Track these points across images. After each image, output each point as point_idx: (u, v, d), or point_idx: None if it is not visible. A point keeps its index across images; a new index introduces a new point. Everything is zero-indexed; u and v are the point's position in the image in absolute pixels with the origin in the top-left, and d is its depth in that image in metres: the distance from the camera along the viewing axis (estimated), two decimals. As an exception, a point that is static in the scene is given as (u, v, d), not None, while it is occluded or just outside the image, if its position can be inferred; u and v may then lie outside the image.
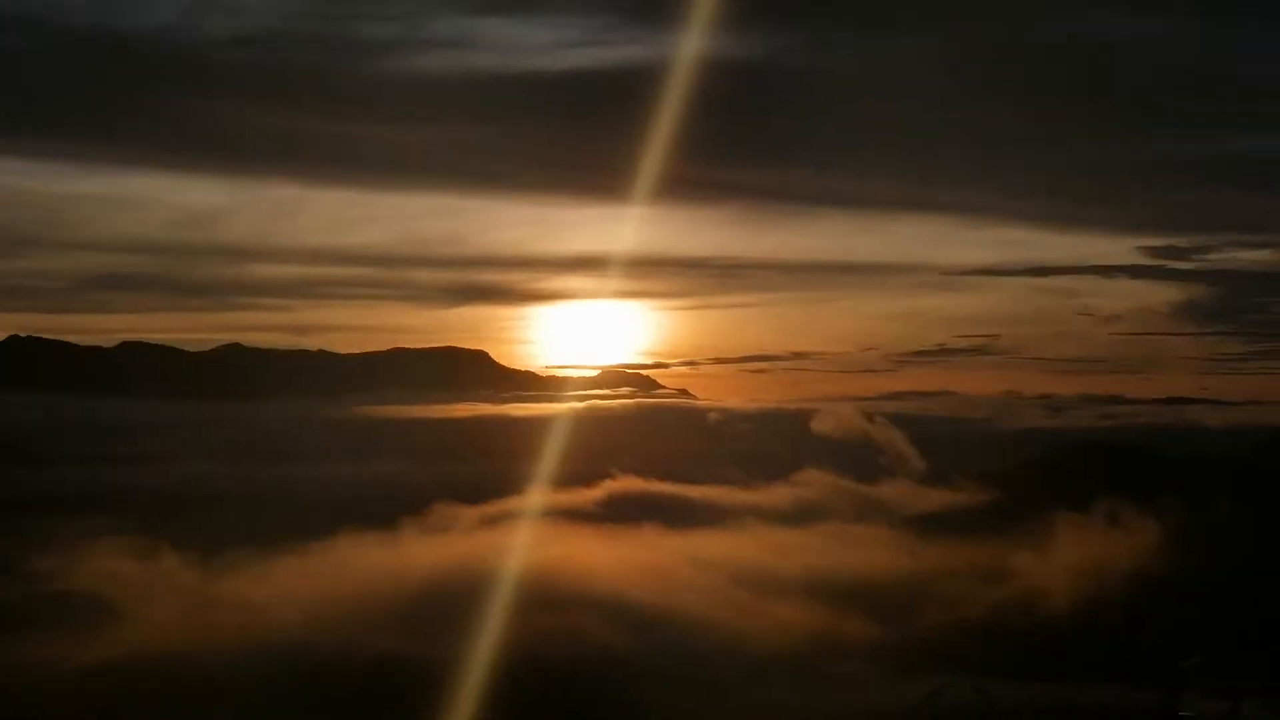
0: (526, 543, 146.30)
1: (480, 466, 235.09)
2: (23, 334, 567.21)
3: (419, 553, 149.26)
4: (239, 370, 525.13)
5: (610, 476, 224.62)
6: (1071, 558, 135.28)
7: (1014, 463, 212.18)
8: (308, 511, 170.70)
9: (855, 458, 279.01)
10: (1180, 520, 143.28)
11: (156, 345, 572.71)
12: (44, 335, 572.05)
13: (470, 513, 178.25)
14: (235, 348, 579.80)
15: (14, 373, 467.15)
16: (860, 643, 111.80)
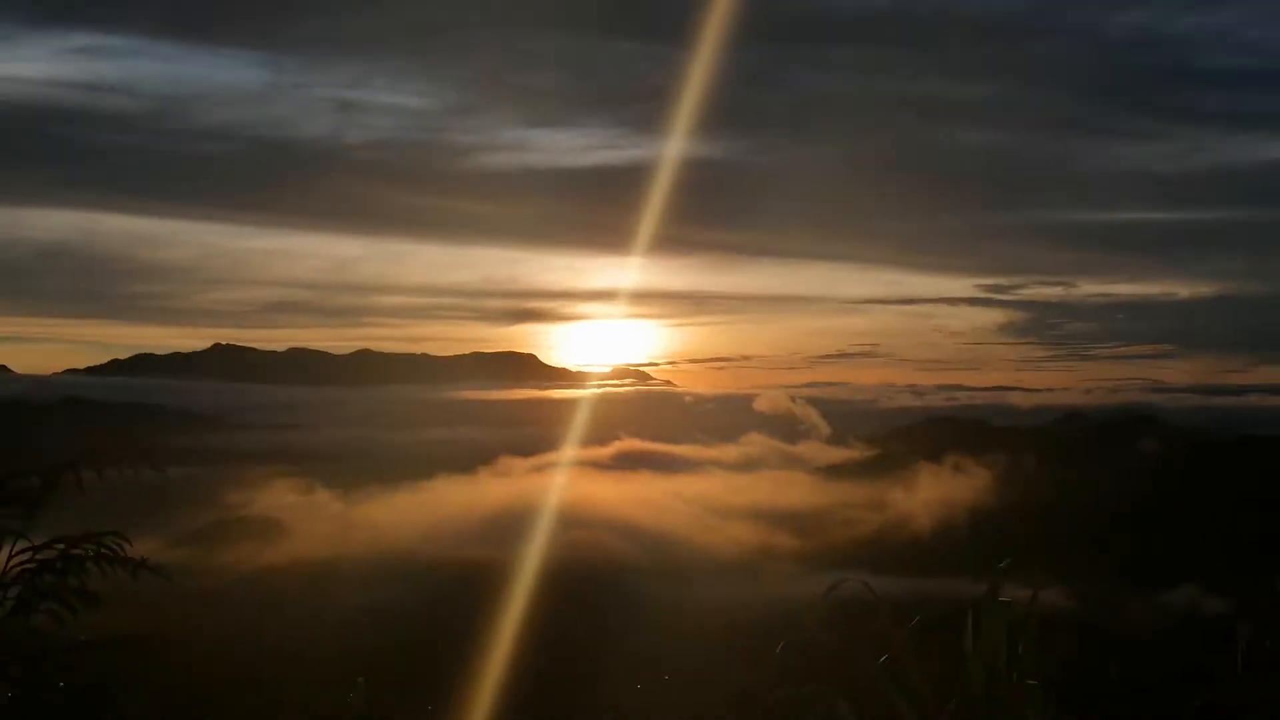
0: (562, 483, 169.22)
1: (530, 432, 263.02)
2: (223, 342, 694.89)
3: (490, 490, 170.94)
4: (369, 367, 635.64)
5: (618, 439, 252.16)
6: (930, 494, 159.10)
7: (890, 430, 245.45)
8: (415, 462, 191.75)
9: (783, 427, 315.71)
10: (1002, 469, 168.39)
11: (312, 350, 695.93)
12: (237, 343, 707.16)
13: (524, 463, 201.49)
14: (366, 352, 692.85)
15: (218, 368, 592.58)
16: (785, 551, 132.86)
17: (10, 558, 3.63)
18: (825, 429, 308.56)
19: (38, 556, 3.65)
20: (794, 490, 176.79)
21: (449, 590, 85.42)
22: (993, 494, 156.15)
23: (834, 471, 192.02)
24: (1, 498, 3.63)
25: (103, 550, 3.69)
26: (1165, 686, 4.34)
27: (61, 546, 3.67)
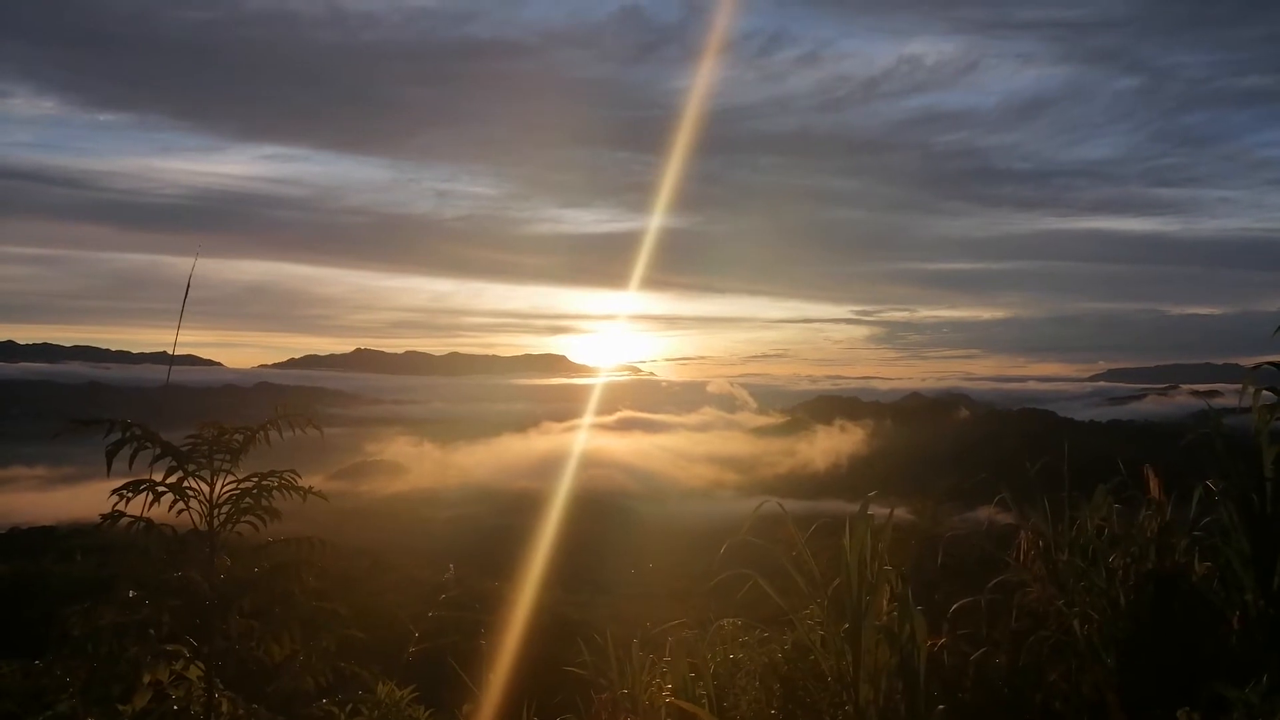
0: (583, 440, 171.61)
1: (561, 405, 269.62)
2: (363, 347, 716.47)
3: (536, 443, 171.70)
4: (458, 364, 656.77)
5: (620, 410, 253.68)
6: (824, 447, 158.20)
7: (795, 404, 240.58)
8: (487, 425, 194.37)
9: (726, 402, 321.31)
10: (870, 430, 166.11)
11: (420, 352, 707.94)
12: (371, 348, 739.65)
13: (559, 426, 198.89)
14: (456, 354, 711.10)
15: (360, 364, 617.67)
16: (729, 484, 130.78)
17: (223, 487, 3.60)
18: (753, 404, 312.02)
19: (240, 486, 3.62)
20: (734, 444, 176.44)
21: (510, 507, 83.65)
22: (863, 445, 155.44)
23: (760, 431, 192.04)
24: (219, 448, 3.59)
25: (282, 481, 3.67)
26: (972, 570, 4.34)
27: (256, 479, 3.65)
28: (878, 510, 3.63)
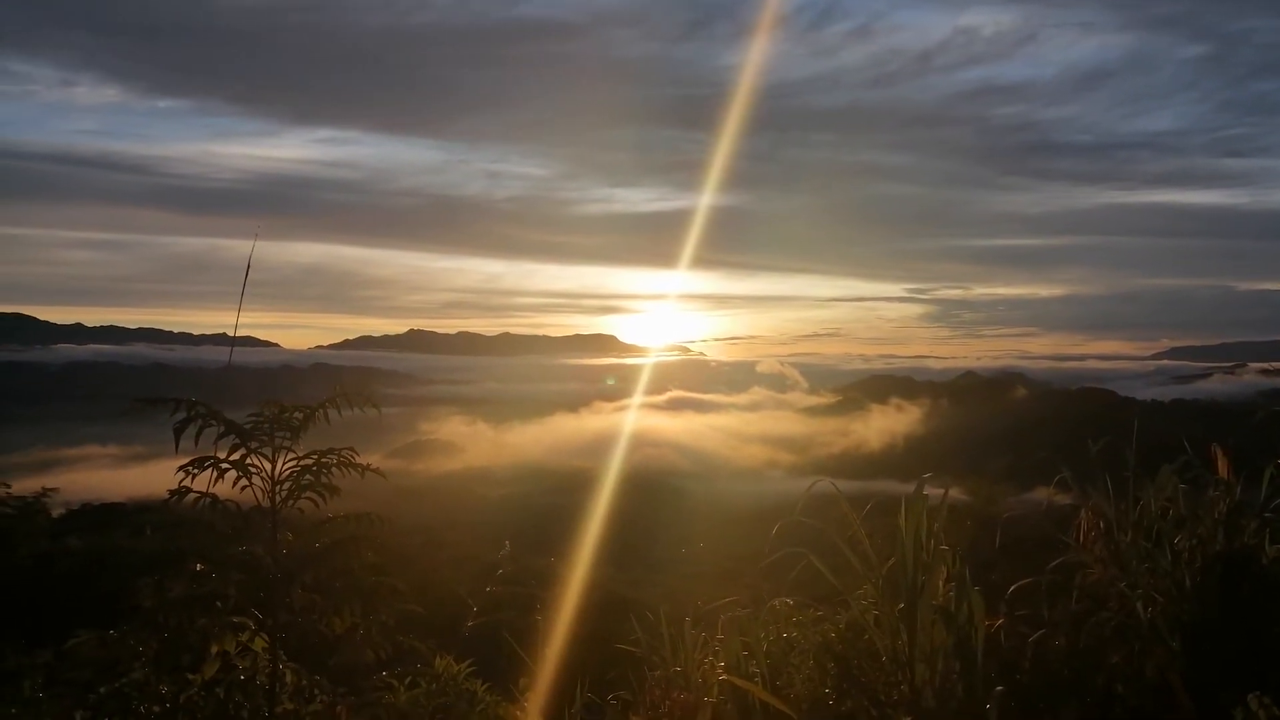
0: (635, 419, 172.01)
1: (613, 386, 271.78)
2: (416, 328, 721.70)
3: (588, 423, 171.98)
4: (510, 344, 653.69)
5: (670, 390, 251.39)
6: (879, 426, 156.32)
7: (847, 384, 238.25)
8: (540, 404, 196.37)
9: (776, 382, 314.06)
10: (926, 410, 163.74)
11: (473, 333, 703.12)
12: (425, 329, 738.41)
13: (609, 405, 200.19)
14: (507, 334, 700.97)
15: (413, 345, 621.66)
16: (780, 464, 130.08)
17: (284, 464, 3.68)
18: (804, 384, 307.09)
19: (301, 463, 3.69)
20: (786, 424, 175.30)
21: (563, 486, 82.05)
22: (918, 425, 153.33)
23: (811, 411, 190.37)
24: (280, 426, 3.66)
25: (340, 459, 3.73)
26: (1030, 551, 4.27)
27: (316, 456, 3.71)
28: (933, 490, 3.59)
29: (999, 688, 3.15)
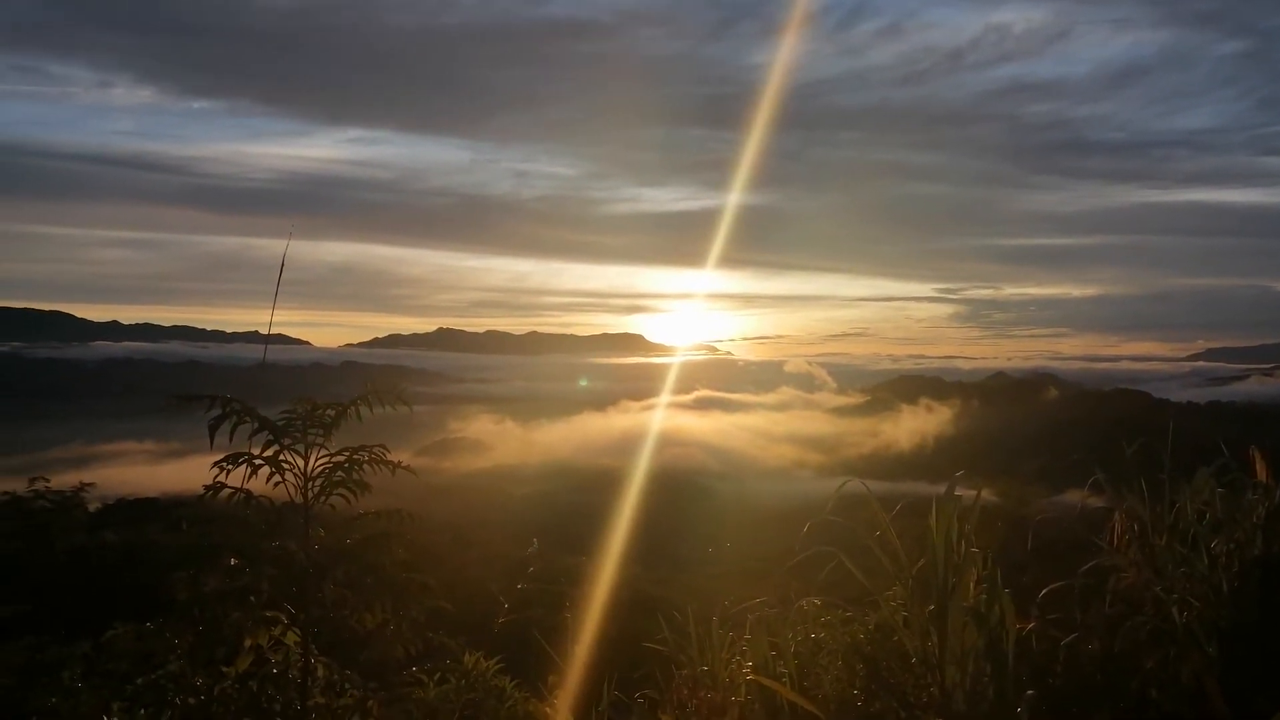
0: (662, 418, 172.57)
1: (641, 385, 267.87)
2: (445, 327, 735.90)
3: (615, 421, 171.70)
4: (537, 343, 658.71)
5: (697, 389, 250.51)
6: (908, 426, 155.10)
7: (876, 384, 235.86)
8: (567, 403, 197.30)
9: (804, 382, 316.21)
10: (956, 411, 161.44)
11: (501, 332, 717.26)
12: (454, 327, 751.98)
13: (637, 404, 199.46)
14: (535, 333, 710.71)
15: (442, 343, 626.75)
16: (809, 464, 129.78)
17: (316, 460, 3.71)
18: (832, 384, 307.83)
19: (333, 459, 3.72)
20: (814, 424, 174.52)
21: (590, 484, 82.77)
22: (948, 426, 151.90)
23: (839, 411, 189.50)
24: (312, 423, 3.70)
25: (372, 456, 3.76)
26: (1062, 553, 4.22)
27: (347, 453, 3.75)
28: (964, 491, 3.56)
29: (1030, 691, 3.12)
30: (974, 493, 3.65)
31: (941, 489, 3.47)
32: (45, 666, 3.76)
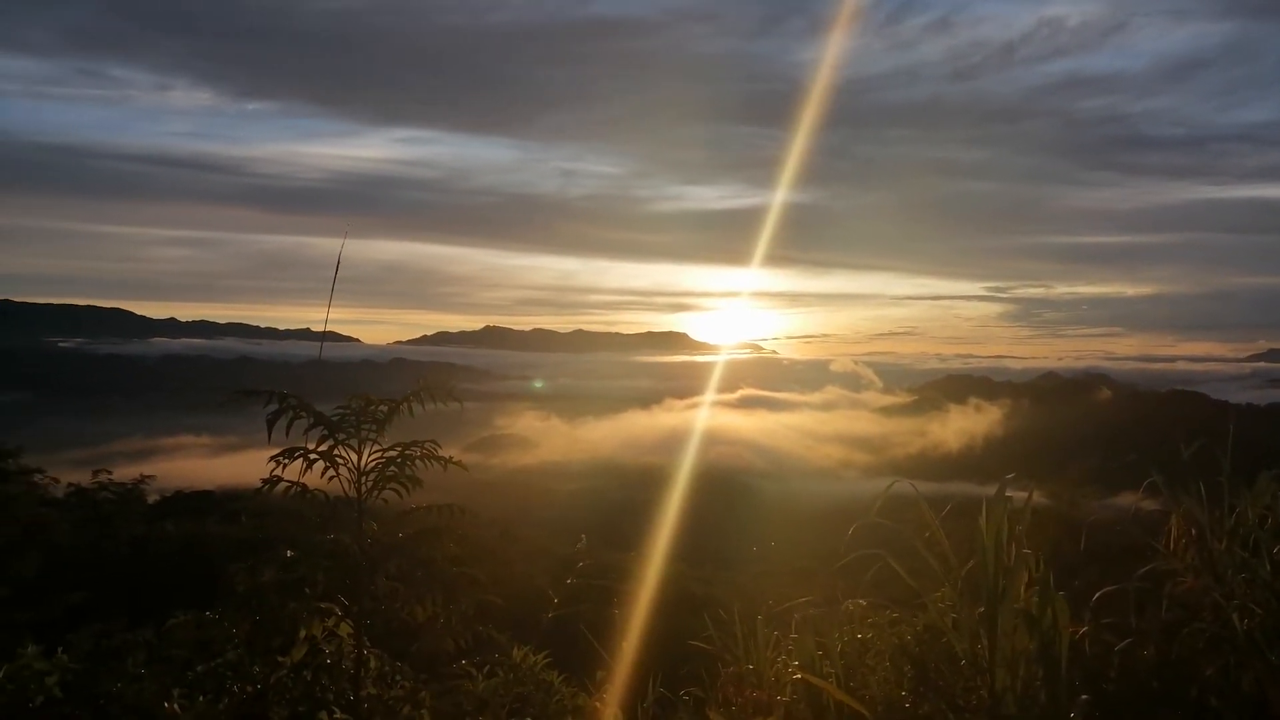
0: (707, 417, 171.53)
1: (685, 383, 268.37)
2: (492, 324, 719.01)
3: (660, 419, 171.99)
4: (583, 341, 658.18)
5: (741, 388, 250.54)
6: (957, 426, 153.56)
7: (923, 383, 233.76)
8: (612, 401, 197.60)
9: (851, 381, 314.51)
10: (1008, 410, 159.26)
11: (547, 330, 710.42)
12: (500, 325, 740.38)
13: (681, 403, 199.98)
14: (581, 331, 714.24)
15: (489, 341, 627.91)
16: (855, 464, 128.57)
17: (369, 455, 3.77)
18: (879, 383, 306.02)
19: (385, 455, 3.76)
20: (861, 423, 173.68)
21: (634, 482, 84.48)
22: (998, 426, 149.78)
23: (886, 411, 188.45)
24: (365, 418, 3.76)
25: (424, 451, 3.81)
26: (1115, 557, 4.13)
27: (400, 448, 3.78)
28: (1015, 493, 3.51)
29: (1084, 696, 3.07)
30: (1026, 494, 3.60)
31: (990, 490, 3.43)
32: (111, 652, 3.88)
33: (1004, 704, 3.16)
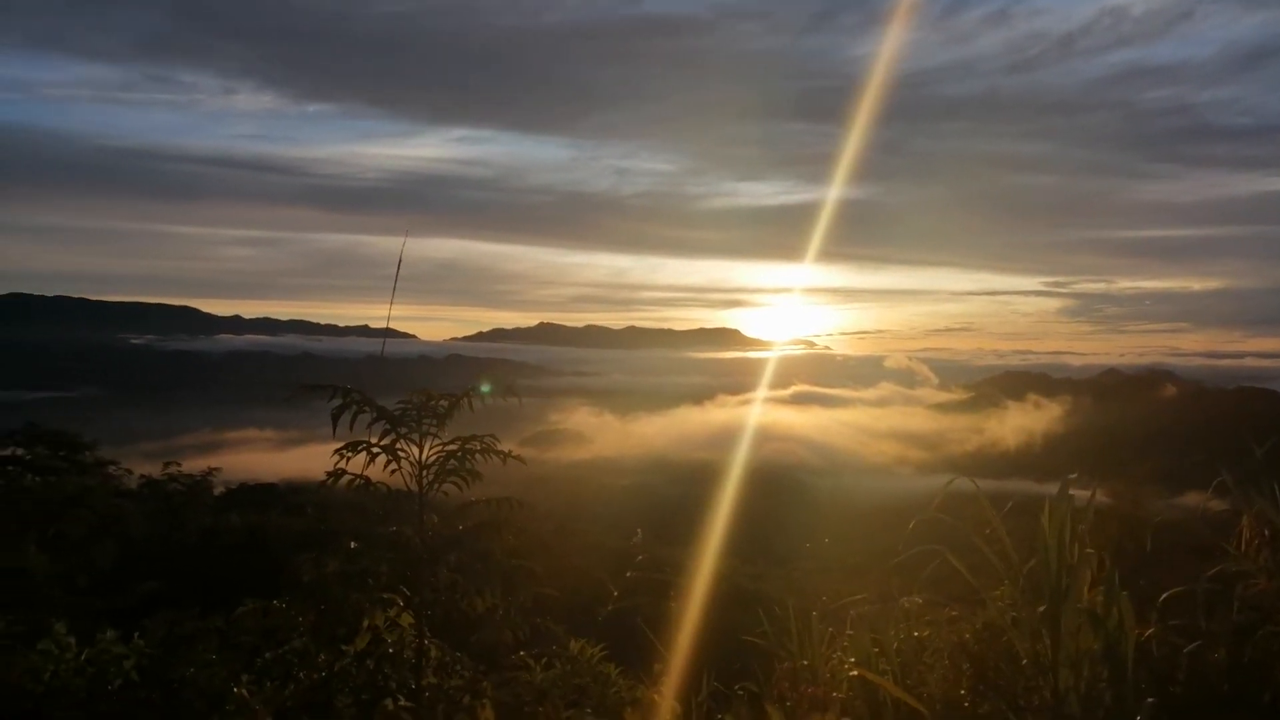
0: (760, 413, 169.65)
1: (738, 379, 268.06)
2: (546, 321, 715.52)
3: (712, 415, 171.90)
4: (636, 337, 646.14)
5: (794, 384, 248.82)
6: (1015, 423, 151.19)
7: (980, 380, 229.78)
8: (665, 397, 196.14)
9: (905, 377, 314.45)
10: (1068, 407, 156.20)
11: (600, 326, 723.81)
12: (554, 322, 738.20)
13: (734, 399, 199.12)
14: (634, 328, 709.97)
15: (543, 337, 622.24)
16: (912, 460, 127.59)
17: (430, 449, 3.82)
18: (934, 379, 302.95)
19: (446, 449, 3.82)
20: (916, 420, 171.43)
21: (687, 477, 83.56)
22: (1058, 423, 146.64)
23: (941, 407, 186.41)
24: (426, 413, 3.81)
25: (483, 445, 3.85)
26: (1182, 557, 4.03)
27: (459, 442, 3.83)
28: (1077, 491, 3.44)
29: (1150, 699, 2.99)
30: (1089, 493, 3.52)
31: (1050, 488, 3.36)
32: (183, 639, 4.00)
33: (1067, 704, 3.10)
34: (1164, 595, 3.59)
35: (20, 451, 13.04)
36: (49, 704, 3.65)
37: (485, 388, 3.78)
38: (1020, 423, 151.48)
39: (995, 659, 3.61)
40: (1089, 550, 3.31)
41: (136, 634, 4.03)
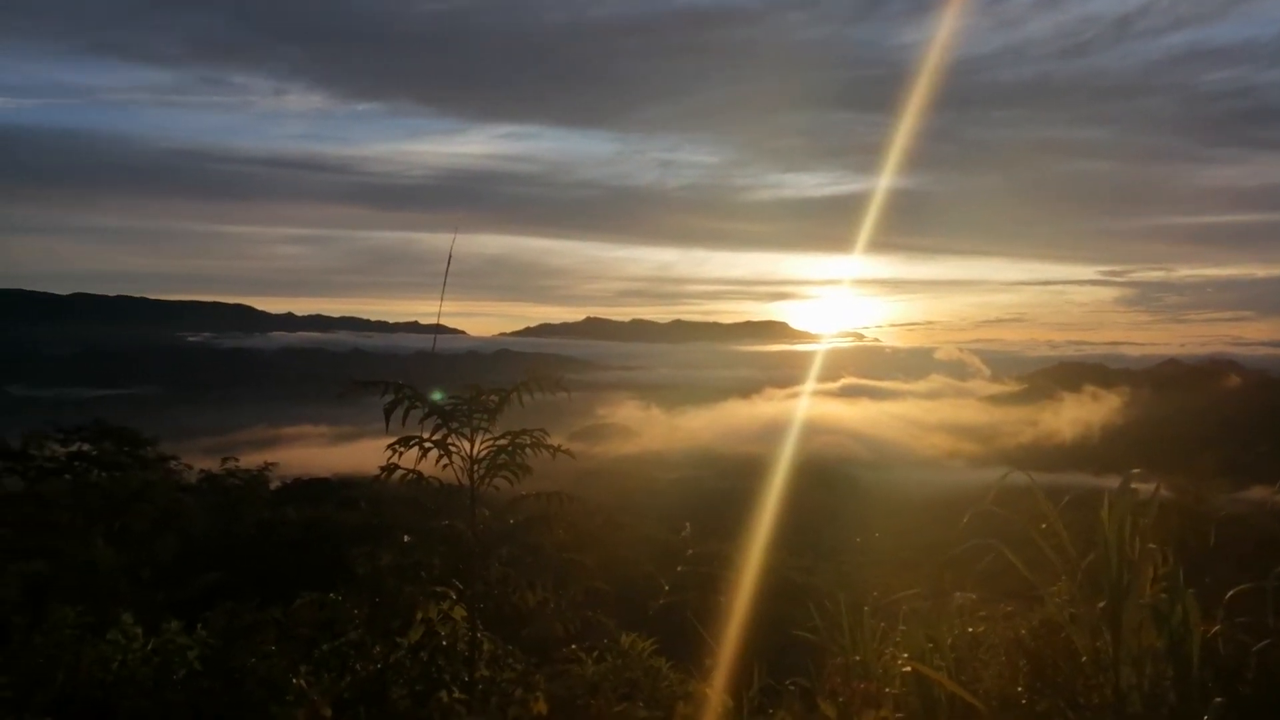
0: (807, 405, 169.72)
1: (785, 373, 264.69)
2: (593, 316, 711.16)
3: (760, 409, 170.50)
4: (682, 331, 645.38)
5: (843, 377, 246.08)
6: (1071, 415, 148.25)
7: (1033, 372, 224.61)
8: (712, 390, 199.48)
9: (956, 369, 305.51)
10: (1125, 398, 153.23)
11: (646, 320, 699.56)
12: (601, 317, 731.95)
13: (782, 392, 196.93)
14: (680, 322, 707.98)
15: (590, 332, 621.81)
16: (964, 453, 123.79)
17: (481, 444, 3.86)
18: (986, 371, 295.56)
19: (497, 443, 3.86)
20: (967, 412, 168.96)
21: (735, 471, 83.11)
22: (1116, 415, 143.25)
23: (994, 400, 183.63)
24: (478, 409, 3.85)
25: (533, 439, 3.88)
26: (1249, 553, 3.91)
27: (510, 437, 3.87)
28: (1138, 485, 3.37)
29: (1218, 699, 2.92)
30: (1153, 487, 3.44)
31: (1108, 481, 3.29)
32: (243, 630, 4.10)
33: (1129, 703, 3.03)
34: (1230, 592, 3.49)
35: (88, 447, 13.44)
36: (117, 693, 3.77)
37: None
38: (1076, 415, 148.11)
39: (1053, 656, 3.55)
40: (1151, 545, 3.24)
41: (199, 625, 4.14)
